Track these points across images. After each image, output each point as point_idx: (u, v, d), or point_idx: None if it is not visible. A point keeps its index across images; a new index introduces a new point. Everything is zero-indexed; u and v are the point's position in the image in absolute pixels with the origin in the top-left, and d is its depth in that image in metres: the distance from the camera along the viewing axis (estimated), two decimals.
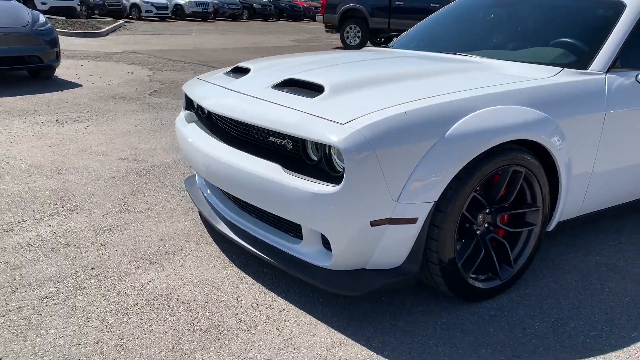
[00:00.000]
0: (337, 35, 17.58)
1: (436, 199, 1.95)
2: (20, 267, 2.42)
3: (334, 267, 2.04)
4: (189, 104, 3.04)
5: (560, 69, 2.49)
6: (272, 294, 2.27)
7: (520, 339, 2.00)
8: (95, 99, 6.22)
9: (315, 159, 2.06)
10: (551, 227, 2.45)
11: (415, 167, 1.90)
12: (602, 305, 2.25)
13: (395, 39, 3.84)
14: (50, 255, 2.54)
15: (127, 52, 11.04)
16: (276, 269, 2.47)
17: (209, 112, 2.73)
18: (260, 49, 12.98)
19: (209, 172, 2.37)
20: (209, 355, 1.86)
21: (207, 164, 2.36)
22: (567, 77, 2.42)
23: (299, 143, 2.08)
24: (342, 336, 1.99)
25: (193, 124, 2.75)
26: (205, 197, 2.80)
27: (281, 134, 2.10)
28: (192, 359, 1.84)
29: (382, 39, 15.10)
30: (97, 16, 21.43)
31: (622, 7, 2.72)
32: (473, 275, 2.18)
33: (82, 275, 2.37)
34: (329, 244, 2.06)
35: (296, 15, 29.66)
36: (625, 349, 1.96)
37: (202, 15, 24.32)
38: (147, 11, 22.57)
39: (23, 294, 2.22)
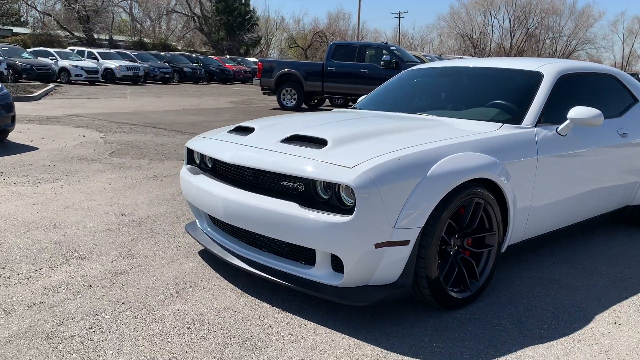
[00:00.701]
0: (271, 97, 18.39)
1: (423, 225, 2.50)
2: (55, 305, 2.71)
3: (345, 284, 2.52)
4: (191, 159, 3.47)
5: (501, 124, 3.19)
6: (288, 313, 2.70)
7: (492, 333, 2.55)
8: (57, 160, 6.42)
9: (325, 197, 2.56)
10: (503, 249, 3.06)
11: (407, 199, 2.46)
12: (549, 307, 2.86)
13: (360, 99, 4.48)
14: (80, 295, 2.84)
15: (69, 115, 11.17)
16: (287, 293, 2.90)
17: (215, 164, 3.18)
18: (201, 111, 13.45)
19: (227, 214, 2.82)
20: (256, 357, 2.26)
21: (226, 207, 2.81)
22: (507, 130, 3.12)
23: (311, 185, 2.59)
24: (356, 340, 2.45)
25: (201, 175, 3.20)
26: (212, 238, 3.21)
27: (296, 177, 2.60)
28: None
29: (316, 101, 16.06)
30: (25, 80, 21.15)
31: (541, 76, 3.51)
32: (451, 288, 2.73)
33: (116, 309, 2.69)
34: (337, 266, 2.55)
35: (226, 78, 30.52)
36: (569, 336, 2.55)
37: (133, 79, 24.56)
38: (76, 75, 22.54)
39: (70, 326, 2.51)
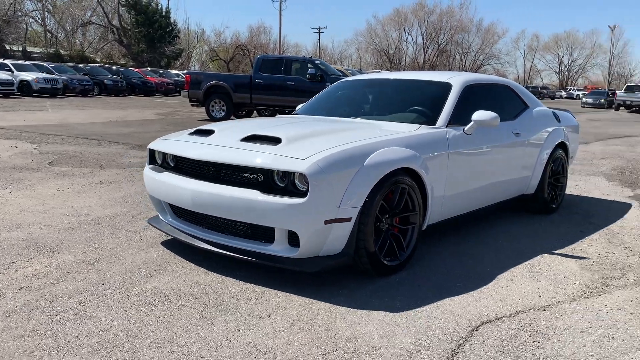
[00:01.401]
0: (196, 109, 18.61)
1: (361, 205, 3.10)
2: (42, 288, 3.06)
3: (300, 255, 3.07)
4: (153, 159, 3.89)
5: (419, 125, 3.88)
6: (250, 284, 3.19)
7: (418, 292, 3.17)
8: None
9: (282, 184, 3.09)
10: (424, 227, 3.72)
11: (349, 184, 3.04)
12: (461, 272, 3.53)
13: (298, 107, 5.04)
14: (61, 280, 3.19)
15: None
16: (247, 269, 3.38)
17: (179, 161, 3.62)
18: (128, 123, 13.51)
19: (196, 203, 3.28)
20: (231, 316, 2.75)
21: (194, 197, 3.27)
22: (425, 130, 3.80)
23: (269, 175, 3.11)
24: (311, 299, 2.99)
25: (166, 172, 3.64)
26: (177, 228, 3.65)
27: (257, 169, 3.11)
28: (219, 319, 2.71)
29: (244, 112, 16.49)
30: None
31: (450, 86, 4.25)
32: (384, 258, 3.33)
33: (99, 288, 3.08)
34: (293, 242, 3.09)
35: (148, 90, 30.20)
36: (477, 290, 3.22)
37: (51, 92, 23.83)
38: None
39: (60, 302, 2.88)
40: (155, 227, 3.84)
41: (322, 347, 2.48)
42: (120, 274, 3.31)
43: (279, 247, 3.14)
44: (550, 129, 5.18)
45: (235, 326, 2.66)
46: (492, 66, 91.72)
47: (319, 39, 70.30)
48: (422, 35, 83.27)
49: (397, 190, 3.35)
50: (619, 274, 3.60)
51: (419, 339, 2.58)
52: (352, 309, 2.89)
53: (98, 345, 2.44)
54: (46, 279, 3.18)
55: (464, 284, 3.31)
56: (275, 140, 3.29)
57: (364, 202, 3.12)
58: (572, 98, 66.12)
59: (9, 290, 3.02)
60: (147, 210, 4.85)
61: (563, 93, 71.84)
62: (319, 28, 68.93)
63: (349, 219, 3.07)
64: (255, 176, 3.17)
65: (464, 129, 4.03)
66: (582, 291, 3.27)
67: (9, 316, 2.70)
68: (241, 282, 3.23)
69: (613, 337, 2.66)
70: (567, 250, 4.11)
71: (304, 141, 3.28)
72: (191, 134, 3.81)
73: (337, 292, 3.12)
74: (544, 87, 74.21)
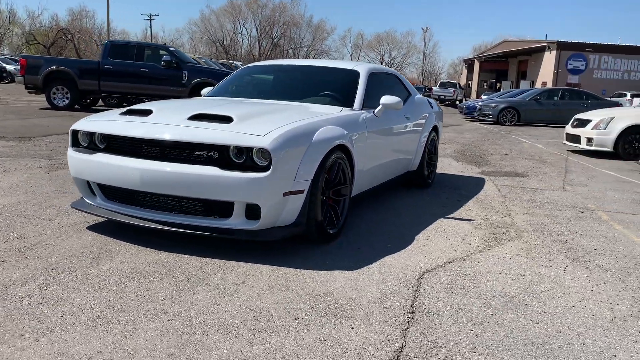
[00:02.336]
0: (34, 96, 16.92)
1: (312, 178, 3.39)
2: None
3: (260, 227, 3.26)
4: (76, 141, 3.73)
5: (342, 107, 4.26)
6: (208, 258, 3.30)
7: (361, 253, 3.56)
8: None
9: (239, 160, 3.24)
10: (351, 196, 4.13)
11: (302, 159, 3.31)
12: (385, 235, 4.00)
13: (207, 90, 5.09)
14: (1, 268, 2.98)
15: None
16: (196, 246, 3.46)
17: (113, 141, 3.54)
18: None
19: (145, 182, 3.28)
20: (208, 286, 2.87)
21: (143, 176, 3.27)
22: (347, 112, 4.19)
23: (225, 151, 3.23)
24: (274, 265, 3.21)
25: (99, 153, 3.54)
26: (112, 210, 3.57)
27: (215, 145, 3.22)
28: (197, 289, 2.81)
29: (89, 100, 15.41)
30: None
31: (358, 73, 4.70)
32: (327, 227, 3.66)
33: (51, 273, 2.95)
34: (249, 215, 3.27)
35: None
36: (407, 248, 3.72)
37: None
38: None
39: (18, 288, 2.73)
40: (82, 210, 3.70)
41: (308, 302, 2.74)
42: (64, 258, 3.18)
43: (236, 221, 3.29)
44: (426, 114, 5.94)
45: (218, 293, 2.80)
46: None
47: (151, 26, 67.18)
48: (257, 29, 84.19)
49: (335, 165, 3.69)
50: (503, 230, 4.38)
51: (382, 289, 2.97)
52: (314, 271, 3.18)
53: (91, 322, 2.41)
54: None
55: (394, 244, 3.78)
56: (226, 119, 3.42)
57: (314, 175, 3.41)
58: None
59: None
60: (49, 198, 4.56)
61: None
62: (150, 15, 65.83)
63: (302, 191, 3.34)
64: (210, 153, 3.28)
65: (374, 111, 4.51)
66: (484, 244, 3.94)
67: None
68: (197, 257, 3.31)
69: (524, 275, 3.33)
70: (455, 214, 4.83)
71: (254, 119, 3.46)
72: (123, 114, 3.73)
73: (292, 258, 3.37)
74: None
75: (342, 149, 3.80)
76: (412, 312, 2.70)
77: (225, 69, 16.66)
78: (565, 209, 5.29)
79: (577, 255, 3.80)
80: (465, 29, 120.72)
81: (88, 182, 3.69)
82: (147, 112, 3.65)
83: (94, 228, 3.80)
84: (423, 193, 5.79)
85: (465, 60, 65.23)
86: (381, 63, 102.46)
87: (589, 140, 10.04)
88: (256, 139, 3.18)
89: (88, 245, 3.44)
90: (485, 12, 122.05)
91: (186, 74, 13.99)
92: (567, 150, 11.05)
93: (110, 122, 3.61)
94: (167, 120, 3.45)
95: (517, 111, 18.81)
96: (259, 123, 3.40)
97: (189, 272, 3.07)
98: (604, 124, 9.87)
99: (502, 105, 19.08)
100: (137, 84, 13.95)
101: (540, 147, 11.75)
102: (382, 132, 4.61)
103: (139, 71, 13.93)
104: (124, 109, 3.81)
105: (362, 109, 4.40)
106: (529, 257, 3.70)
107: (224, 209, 3.31)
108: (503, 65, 53.81)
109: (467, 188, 6.24)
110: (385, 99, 4.47)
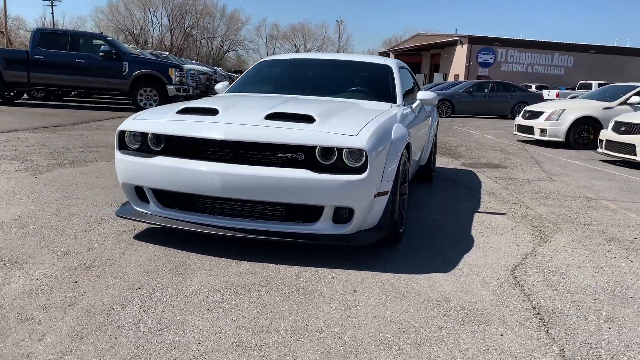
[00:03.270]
0: None
1: (394, 178, 3.27)
2: (73, 303, 2.49)
3: (351, 231, 3.10)
4: (123, 144, 3.36)
5: (390, 104, 4.15)
6: (296, 266, 3.09)
7: (438, 253, 3.50)
8: None
9: (326, 162, 3.05)
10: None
11: (386, 158, 3.18)
12: (440, 234, 3.97)
13: (221, 85, 4.78)
14: (81, 290, 2.62)
15: None
16: (268, 254, 3.23)
17: (177, 143, 3.22)
18: None
19: (226, 188, 3.01)
20: (322, 297, 2.69)
21: (224, 181, 3.00)
22: (396, 108, 4.09)
23: (312, 153, 3.03)
24: (370, 272, 3.07)
25: (160, 157, 3.21)
26: (173, 217, 3.26)
27: (304, 146, 3.01)
28: (314, 301, 2.63)
29: (13, 93, 14.10)
30: None
31: (390, 68, 4.61)
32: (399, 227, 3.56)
33: (143, 292, 2.64)
34: (338, 219, 3.10)
35: None
36: (462, 242, 3.70)
37: None
38: None
39: (121, 314, 2.41)
40: (132, 219, 3.37)
41: (436, 309, 2.63)
42: (141, 275, 2.86)
43: (324, 225, 3.11)
44: (430, 108, 5.97)
45: (341, 305, 2.62)
46: (237, 52, 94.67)
47: (52, 12, 62.74)
48: (168, 17, 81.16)
49: (403, 163, 3.59)
50: (539, 223, 4.48)
51: (492, 291, 2.92)
52: (412, 275, 3.07)
53: (238, 348, 2.18)
54: (58, 293, 2.58)
55: (460, 243, 3.75)
56: (307, 118, 3.21)
57: (395, 174, 3.29)
58: None
59: (40, 314, 2.38)
60: (63, 206, 4.09)
61: None
62: (52, 1, 61.40)
63: (387, 192, 3.21)
64: (294, 155, 3.06)
65: (411, 106, 4.45)
66: (536, 238, 4.02)
67: (81, 339, 2.18)
68: (283, 265, 3.10)
69: (601, 267, 3.42)
70: (483, 208, 4.90)
71: (335, 118, 3.28)
72: (180, 112, 3.39)
73: (376, 261, 3.24)
74: None
75: (407, 147, 3.71)
76: (538, 313, 2.68)
77: (166, 60, 15.89)
78: (570, 199, 5.53)
79: (627, 245, 3.96)
80: (375, 22, 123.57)
81: (136, 187, 3.34)
82: (211, 111, 3.35)
83: (143, 238, 3.45)
84: (433, 187, 5.82)
85: (381, 54, 66.65)
86: None
87: (542, 131, 10.60)
88: (350, 139, 3.01)
89: (154, 258, 3.11)
90: (394, 6, 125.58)
91: (127, 65, 13.20)
92: (518, 141, 11.61)
93: (172, 122, 3.27)
94: (243, 119, 3.18)
95: (452, 103, 19.52)
96: (342, 122, 3.23)
97: (289, 282, 2.86)
98: (556, 116, 10.46)
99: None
100: (72, 76, 12.97)
101: (490, 138, 12.25)
102: (417, 128, 4.57)
103: (75, 62, 12.96)
104: (178, 107, 3.47)
105: (403, 105, 4.32)
106: (586, 249, 3.81)
107: (309, 213, 3.12)
108: (417, 58, 55.65)
109: (466, 181, 6.35)
110: (423, 95, 4.43)
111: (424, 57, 54.93)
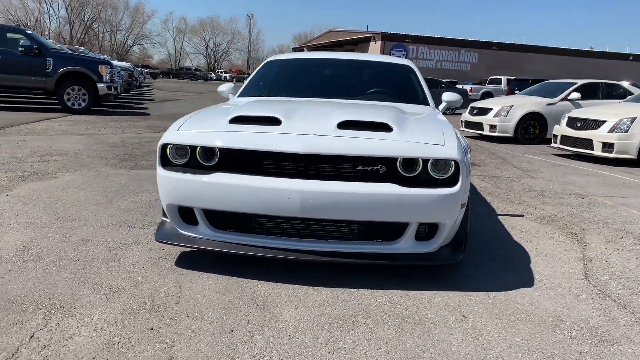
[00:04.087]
0: None
1: (468, 190, 3.06)
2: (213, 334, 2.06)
3: (435, 248, 2.86)
4: (166, 160, 2.90)
5: (426, 106, 3.94)
6: (380, 290, 2.80)
7: (497, 265, 3.35)
8: None
9: (409, 174, 2.78)
10: None
11: (465, 169, 2.97)
12: (480, 234, 3.83)
13: (227, 85, 4.34)
14: (168, 344, 2.19)
15: None
16: (349, 277, 2.92)
17: (232, 158, 2.81)
18: None
19: (307, 207, 2.66)
20: (434, 325, 2.43)
21: (305, 200, 2.64)
22: (435, 112, 3.89)
23: (392, 165, 2.76)
24: (461, 292, 2.85)
25: (217, 174, 2.79)
26: (230, 242, 2.86)
27: (387, 158, 2.73)
28: (434, 332, 2.37)
29: None
30: None
31: (413, 69, 4.40)
32: None
33: (237, 336, 2.25)
34: (420, 236, 2.85)
35: None
36: (529, 253, 3.59)
37: None
38: None
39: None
40: (181, 245, 2.93)
41: (558, 332, 2.46)
42: (221, 313, 2.45)
43: (406, 244, 2.85)
44: None
45: (466, 335, 2.37)
46: (143, 46, 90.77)
47: None
48: (66, 9, 75.98)
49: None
50: (565, 224, 4.47)
51: (589, 304, 2.80)
52: (503, 292, 2.88)
53: None
54: (143, 347, 2.13)
55: (514, 252, 3.63)
56: (383, 126, 2.92)
57: (469, 184, 3.09)
58: (221, 80, 70.35)
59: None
60: (65, 230, 3.52)
61: (213, 75, 76.13)
62: None
63: (464, 204, 3.01)
64: (375, 168, 2.77)
65: (438, 108, 4.28)
66: (577, 241, 3.98)
67: None
68: (366, 290, 2.80)
69: None
70: (500, 210, 4.83)
71: (408, 125, 3.01)
72: (234, 121, 2.97)
73: (450, 279, 3.03)
74: (197, 69, 77.49)
75: None
76: None
77: (95, 57, 14.70)
78: (565, 197, 5.63)
79: None
80: (283, 18, 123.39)
81: (180, 208, 2.90)
82: (272, 120, 2.96)
83: (187, 265, 3.01)
84: None
85: (294, 49, 66.70)
86: (206, 49, 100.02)
87: (492, 127, 10.90)
88: (440, 149, 2.77)
89: (221, 290, 2.70)
90: (303, 2, 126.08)
91: (51, 62, 12.03)
92: (466, 137, 11.86)
93: (230, 133, 2.84)
94: (315, 129, 2.83)
95: None
96: (422, 130, 2.99)
97: (388, 310, 2.57)
98: (504, 112, 10.79)
99: None
100: None
101: None
102: None
103: None
104: (225, 115, 3.03)
105: (435, 107, 4.14)
106: (628, 250, 3.83)
107: (389, 231, 2.85)
108: None
109: None
110: (448, 96, 4.27)
111: None
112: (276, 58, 4.64)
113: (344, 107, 3.38)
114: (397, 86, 4.33)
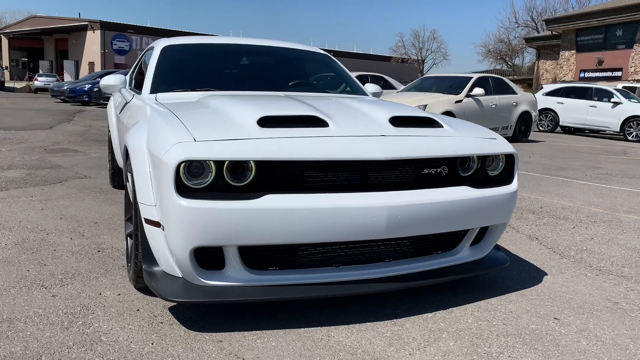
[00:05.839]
0: None
1: None
2: None
3: (487, 252, 2.62)
4: (182, 185, 1.98)
5: (369, 97, 3.61)
6: (449, 309, 2.43)
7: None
8: None
9: (466, 173, 2.46)
10: None
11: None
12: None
13: (120, 79, 3.26)
14: None
15: None
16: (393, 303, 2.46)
17: (281, 173, 2.08)
18: None
19: (393, 225, 2.14)
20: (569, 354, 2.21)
21: (392, 216, 2.12)
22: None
23: (453, 165, 2.41)
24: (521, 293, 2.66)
25: (269, 196, 2.03)
26: (273, 284, 2.15)
27: (449, 159, 2.37)
28: None
29: None
30: None
31: (330, 58, 3.99)
32: None
33: None
34: (474, 242, 2.58)
35: None
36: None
37: None
38: None
39: None
40: (210, 302, 2.08)
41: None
42: None
43: (463, 253, 2.55)
44: None
45: (599, 342, 2.20)
46: None
47: None
48: None
49: None
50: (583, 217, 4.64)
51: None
52: (534, 300, 2.81)
53: None
54: None
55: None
56: (430, 122, 2.52)
57: None
58: None
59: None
60: (39, 287, 2.19)
61: None
62: None
63: None
64: (439, 170, 2.38)
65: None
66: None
67: None
68: (438, 312, 2.39)
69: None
70: None
71: (449, 121, 2.67)
72: (264, 123, 2.17)
73: (501, 289, 2.80)
74: None
75: None
76: None
77: None
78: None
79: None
80: None
81: (196, 250, 2.05)
82: (315, 121, 2.26)
83: (204, 326, 2.14)
84: None
85: None
86: None
87: None
88: (500, 145, 2.53)
89: (295, 353, 1.98)
90: None
91: None
92: None
93: (275, 140, 2.06)
94: (371, 130, 2.27)
95: None
96: (462, 125, 2.67)
97: (503, 329, 2.24)
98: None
99: None
100: None
101: None
102: None
103: None
104: (253, 117, 2.20)
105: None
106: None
107: (446, 240, 2.51)
108: (37, 43, 49.56)
109: None
110: (373, 88, 4.00)
111: (46, 42, 49.18)
112: (174, 43, 3.63)
113: (354, 102, 2.88)
114: (334, 76, 3.86)
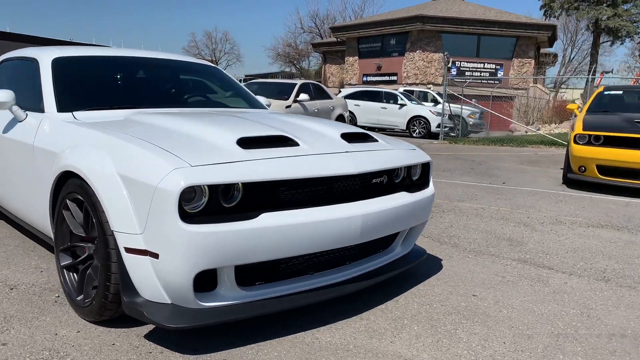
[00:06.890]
0: None
1: None
2: None
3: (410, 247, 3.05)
4: (182, 209, 1.99)
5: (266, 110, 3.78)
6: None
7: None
8: None
9: (397, 181, 2.84)
10: None
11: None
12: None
13: (9, 95, 2.89)
14: None
15: None
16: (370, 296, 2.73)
17: (266, 192, 2.19)
18: None
19: (365, 231, 2.43)
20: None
21: (365, 223, 2.40)
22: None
23: (390, 175, 2.77)
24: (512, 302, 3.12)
25: (263, 215, 2.15)
26: (261, 298, 2.27)
27: (398, 169, 2.74)
28: None
29: None
30: None
31: (219, 69, 4.06)
32: None
33: None
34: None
35: None
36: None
37: None
38: None
39: None
40: (207, 324, 2.11)
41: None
42: None
43: (399, 248, 2.95)
44: None
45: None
46: None
47: None
48: None
49: None
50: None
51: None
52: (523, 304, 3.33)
53: None
54: None
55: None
56: (366, 137, 2.84)
57: None
58: None
59: None
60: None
61: None
62: None
63: None
64: (381, 179, 2.72)
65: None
66: None
67: None
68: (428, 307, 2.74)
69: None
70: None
71: (375, 136, 3.00)
72: (244, 145, 2.22)
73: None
74: None
75: None
76: None
77: None
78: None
79: None
80: None
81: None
82: (285, 140, 2.39)
83: (185, 348, 2.16)
84: None
85: None
86: None
87: None
88: (420, 154, 2.97)
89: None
90: None
91: None
92: None
93: (261, 162, 2.16)
94: (335, 147, 2.53)
95: None
96: (387, 139, 3.02)
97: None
98: None
99: None
100: None
101: None
102: None
103: None
104: (231, 139, 2.23)
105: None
106: None
107: (385, 240, 2.87)
108: None
109: None
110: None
111: None
112: (65, 55, 3.24)
113: (297, 119, 3.05)
114: (230, 90, 3.88)
